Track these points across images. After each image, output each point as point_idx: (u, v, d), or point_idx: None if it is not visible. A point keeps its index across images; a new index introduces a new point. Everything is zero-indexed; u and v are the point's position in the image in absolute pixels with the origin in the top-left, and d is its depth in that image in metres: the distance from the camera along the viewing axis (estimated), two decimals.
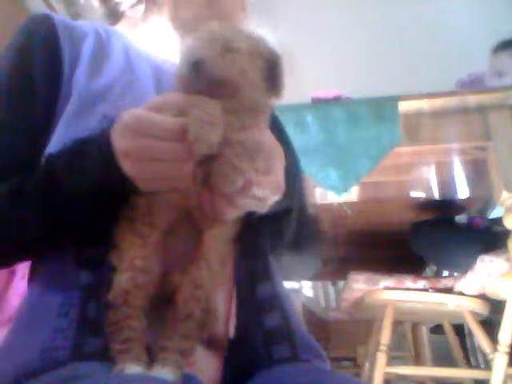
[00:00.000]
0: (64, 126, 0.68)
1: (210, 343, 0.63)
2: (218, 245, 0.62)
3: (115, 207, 0.60)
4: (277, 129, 0.87)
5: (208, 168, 0.56)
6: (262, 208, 0.59)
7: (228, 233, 0.63)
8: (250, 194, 0.55)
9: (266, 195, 0.57)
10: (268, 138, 0.62)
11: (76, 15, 0.96)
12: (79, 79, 0.71)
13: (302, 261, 0.83)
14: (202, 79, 0.57)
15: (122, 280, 0.58)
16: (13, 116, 0.70)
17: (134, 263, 0.58)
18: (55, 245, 0.66)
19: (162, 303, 0.59)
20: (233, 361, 0.64)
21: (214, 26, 0.63)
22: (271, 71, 0.63)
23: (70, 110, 0.69)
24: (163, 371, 0.55)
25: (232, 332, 0.66)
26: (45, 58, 0.71)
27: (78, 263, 0.64)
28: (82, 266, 0.63)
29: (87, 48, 0.74)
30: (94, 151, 0.59)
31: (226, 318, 0.66)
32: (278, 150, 0.63)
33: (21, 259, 0.72)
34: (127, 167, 0.56)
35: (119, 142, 0.56)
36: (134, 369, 0.55)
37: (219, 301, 0.65)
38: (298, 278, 0.91)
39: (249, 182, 0.54)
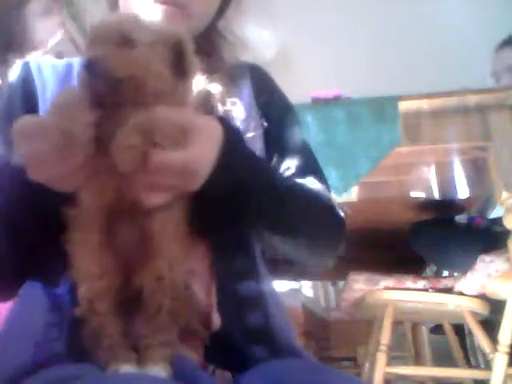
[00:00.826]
0: None
1: (188, 334, 0.62)
2: (168, 232, 0.59)
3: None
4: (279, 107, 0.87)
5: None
6: (187, 186, 0.57)
7: (174, 217, 0.60)
8: (155, 170, 0.54)
9: (175, 170, 0.55)
10: (182, 114, 0.59)
11: (75, 15, 0.96)
12: (47, 102, 0.75)
13: (308, 247, 0.79)
14: (97, 79, 0.56)
15: (82, 291, 0.57)
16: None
17: (89, 272, 0.57)
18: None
19: (132, 304, 0.59)
20: (213, 355, 0.64)
21: (109, 20, 0.61)
22: (178, 56, 0.61)
23: None
24: (156, 369, 0.56)
25: (216, 325, 0.66)
26: (22, 91, 0.81)
27: (62, 265, 0.63)
28: (66, 268, 0.63)
29: (54, 77, 0.81)
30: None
31: (206, 314, 0.66)
32: (206, 127, 0.60)
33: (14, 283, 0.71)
34: (30, 174, 0.56)
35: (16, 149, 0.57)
36: (128, 368, 0.55)
37: (196, 288, 0.65)
38: (313, 266, 0.89)
39: (146, 157, 0.53)
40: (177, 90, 0.62)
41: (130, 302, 0.59)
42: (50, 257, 0.64)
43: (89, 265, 0.57)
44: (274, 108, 0.86)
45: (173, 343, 0.59)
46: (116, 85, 0.56)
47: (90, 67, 0.56)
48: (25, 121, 0.55)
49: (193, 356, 0.64)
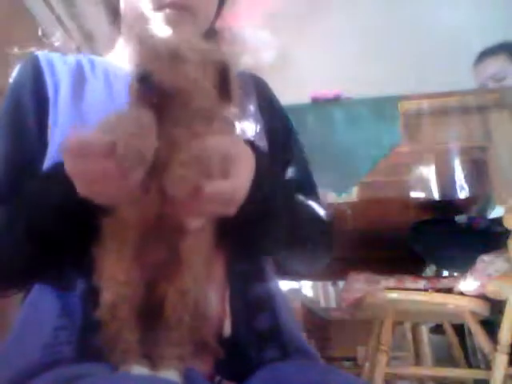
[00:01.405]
0: (55, 151, 0.72)
1: (202, 346, 0.63)
2: (198, 250, 0.61)
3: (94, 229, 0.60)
4: (284, 134, 0.89)
5: (162, 181, 0.56)
6: (227, 211, 0.59)
7: (205, 237, 0.63)
8: (203, 199, 0.55)
9: (222, 199, 0.57)
10: (227, 143, 0.61)
11: (75, 16, 0.97)
12: (62, 103, 0.76)
13: (305, 260, 0.83)
14: (151, 92, 0.57)
15: (106, 295, 0.58)
16: (10, 146, 0.76)
17: (116, 278, 0.58)
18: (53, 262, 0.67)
19: (152, 314, 0.60)
20: (224, 360, 0.65)
21: (161, 36, 0.63)
22: (223, 78, 0.63)
23: (57, 134, 0.74)
24: (169, 372, 0.56)
25: (227, 331, 0.66)
26: (33, 88, 0.79)
27: (76, 271, 0.65)
28: (79, 272, 0.64)
29: (67, 76, 0.80)
30: (58, 175, 0.60)
31: (219, 318, 0.67)
32: (244, 155, 0.63)
33: (24, 282, 0.73)
34: (80, 189, 0.57)
35: (66, 165, 0.57)
36: (140, 370, 0.55)
37: (212, 301, 0.66)
38: (303, 275, 0.92)
39: (197, 188, 0.54)
40: (219, 112, 0.63)
41: (150, 313, 0.59)
42: (68, 260, 0.66)
43: (116, 272, 0.58)
44: (275, 121, 0.89)
45: (186, 357, 0.59)
46: (168, 98, 0.57)
47: (143, 79, 0.56)
48: (81, 136, 0.55)
49: (202, 365, 0.64)
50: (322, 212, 0.84)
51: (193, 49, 0.61)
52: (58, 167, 0.60)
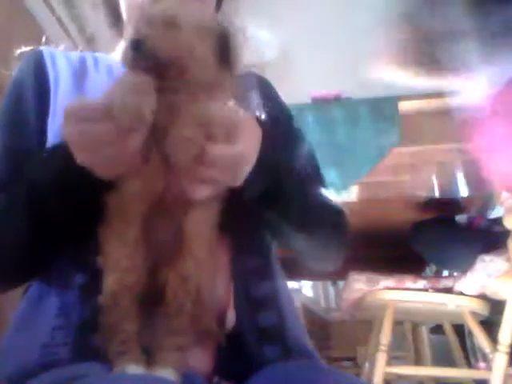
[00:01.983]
0: (54, 140, 0.71)
1: (204, 336, 0.62)
2: (201, 232, 0.60)
3: (96, 208, 0.59)
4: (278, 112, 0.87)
5: (164, 148, 0.55)
6: (233, 180, 0.58)
7: (209, 218, 0.61)
8: (208, 162, 0.54)
9: (227, 164, 0.56)
10: (231, 110, 0.60)
11: (76, 17, 0.97)
12: (61, 95, 0.75)
13: (317, 244, 0.79)
14: (145, 59, 0.55)
15: (109, 282, 0.57)
16: (8, 135, 0.75)
17: (120, 263, 0.57)
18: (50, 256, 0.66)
19: (153, 301, 0.59)
20: (224, 355, 0.64)
21: (156, 2, 0.61)
22: (223, 47, 0.61)
23: (56, 124, 0.72)
24: (165, 371, 0.55)
25: (230, 325, 0.66)
26: (35, 80, 0.78)
27: (75, 265, 0.64)
28: (78, 268, 0.64)
29: (68, 69, 0.79)
30: (56, 149, 0.60)
31: (222, 311, 0.66)
32: (249, 124, 0.62)
33: (23, 277, 0.71)
34: (79, 157, 0.56)
35: (65, 133, 0.56)
36: (135, 369, 0.55)
37: (215, 290, 0.65)
38: (320, 265, 0.89)
39: (202, 150, 0.53)
40: (221, 82, 0.62)
41: (151, 301, 0.59)
42: (68, 249, 0.64)
43: (120, 257, 0.57)
44: (279, 119, 0.88)
45: (186, 347, 0.58)
46: (162, 66, 0.56)
47: (136, 46, 0.55)
48: (81, 102, 0.55)
49: (202, 359, 0.63)
50: (334, 202, 0.82)
51: (189, 15, 0.60)
52: (57, 146, 0.60)
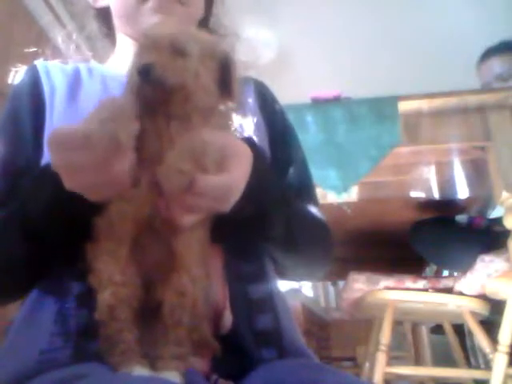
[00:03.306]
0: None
1: (201, 346, 0.63)
2: (193, 250, 0.60)
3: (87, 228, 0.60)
4: (280, 132, 0.88)
5: (155, 174, 0.55)
6: (221, 208, 0.59)
7: (200, 235, 0.62)
8: (198, 193, 0.55)
9: (216, 193, 0.57)
10: (223, 138, 0.61)
11: (75, 15, 0.97)
12: (57, 108, 0.76)
13: (304, 262, 0.83)
14: (153, 85, 0.56)
15: (104, 297, 0.57)
16: (7, 150, 0.76)
17: (113, 279, 0.58)
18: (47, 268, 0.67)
19: (151, 314, 0.59)
20: (222, 358, 0.64)
21: (163, 28, 0.62)
22: (224, 74, 0.62)
23: None
24: (170, 373, 0.56)
25: (226, 328, 0.66)
26: (30, 94, 0.80)
27: (71, 275, 0.64)
28: (74, 278, 0.64)
29: (63, 81, 0.80)
30: (48, 172, 0.60)
31: (218, 314, 0.66)
32: (241, 151, 0.63)
33: (20, 291, 0.72)
34: (66, 184, 0.57)
35: (51, 159, 0.57)
36: (140, 371, 0.55)
37: (211, 299, 0.66)
38: (304, 279, 0.92)
39: (193, 182, 0.54)
40: (219, 107, 0.62)
41: (148, 313, 0.59)
42: (64, 263, 0.65)
43: (113, 272, 0.58)
44: (276, 123, 0.88)
45: (185, 356, 0.59)
46: (169, 92, 0.56)
47: (145, 72, 0.56)
48: (62, 130, 0.55)
49: (200, 362, 0.64)
50: (321, 218, 0.84)
51: (193, 41, 0.60)
52: (49, 165, 0.60)
